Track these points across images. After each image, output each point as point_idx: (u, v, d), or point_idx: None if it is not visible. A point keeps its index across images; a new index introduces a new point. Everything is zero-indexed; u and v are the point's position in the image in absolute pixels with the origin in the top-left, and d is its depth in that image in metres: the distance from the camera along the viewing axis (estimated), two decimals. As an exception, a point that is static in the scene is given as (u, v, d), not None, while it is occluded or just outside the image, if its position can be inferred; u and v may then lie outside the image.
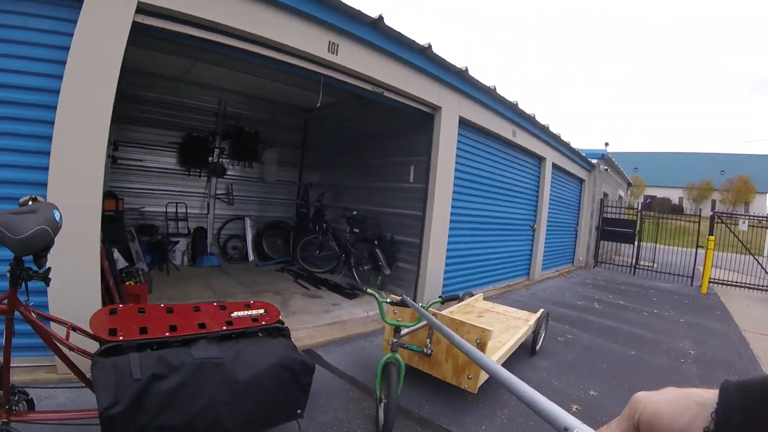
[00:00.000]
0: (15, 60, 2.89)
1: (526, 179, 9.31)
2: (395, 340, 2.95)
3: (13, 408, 2.06)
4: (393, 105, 5.67)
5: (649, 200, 49.35)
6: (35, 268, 1.89)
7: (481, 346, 3.23)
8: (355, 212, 6.96)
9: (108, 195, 5.57)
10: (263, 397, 2.06)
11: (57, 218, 1.93)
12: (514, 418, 3.33)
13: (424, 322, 3.12)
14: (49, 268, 1.89)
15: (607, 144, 16.17)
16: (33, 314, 1.96)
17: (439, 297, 3.30)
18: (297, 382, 2.19)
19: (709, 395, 0.48)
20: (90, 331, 2.06)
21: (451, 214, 6.44)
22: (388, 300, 3.10)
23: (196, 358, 1.93)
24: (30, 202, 1.98)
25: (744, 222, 12.26)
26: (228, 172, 8.11)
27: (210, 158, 7.78)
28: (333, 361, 4.05)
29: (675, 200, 49.28)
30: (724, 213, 12.42)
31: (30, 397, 2.23)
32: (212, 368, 1.94)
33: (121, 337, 1.92)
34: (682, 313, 8.00)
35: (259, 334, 2.30)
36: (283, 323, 2.43)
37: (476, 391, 3.30)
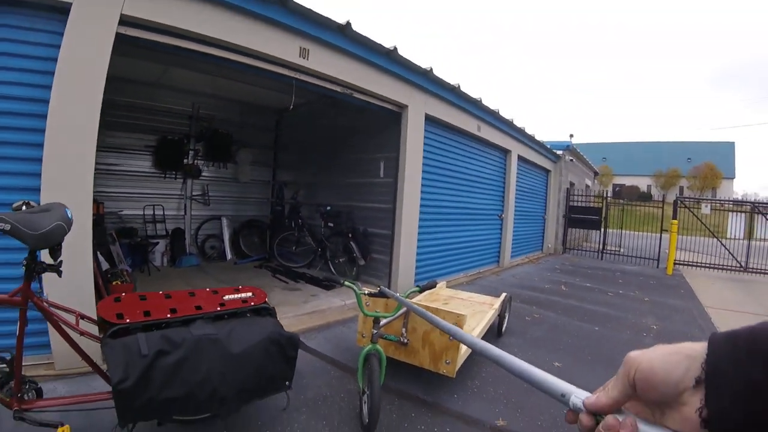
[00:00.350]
0: (5, 72, 3.05)
1: (493, 171, 9.73)
2: (375, 331, 2.95)
3: (24, 396, 2.25)
4: (362, 105, 5.96)
5: (618, 188, 50.69)
6: (48, 262, 2.13)
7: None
8: (329, 207, 7.26)
9: (89, 200, 5.72)
10: (255, 369, 2.34)
11: (69, 215, 2.16)
12: (482, 388, 3.67)
13: (402, 311, 3.16)
14: (61, 261, 2.13)
15: (571, 136, 16.72)
16: (45, 304, 2.19)
17: (417, 286, 3.24)
18: (284, 355, 2.47)
19: (699, 347, 0.51)
20: (95, 318, 2.32)
21: (421, 206, 6.80)
22: (366, 292, 3.15)
23: (195, 335, 2.20)
24: (23, 207, 2.15)
25: (706, 206, 12.87)
26: (203, 174, 8.28)
27: (185, 160, 7.94)
28: (314, 345, 4.35)
29: (644, 188, 50.64)
30: (687, 198, 13.02)
31: (39, 386, 2.41)
32: (209, 344, 2.21)
33: (127, 320, 2.17)
34: (646, 292, 8.45)
35: (249, 314, 2.57)
36: (269, 304, 2.71)
37: (455, 376, 3.40)
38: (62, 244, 2.13)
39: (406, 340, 3.45)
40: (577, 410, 0.61)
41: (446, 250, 8.00)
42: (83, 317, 2.34)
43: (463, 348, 3.53)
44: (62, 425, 2.14)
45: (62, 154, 3.16)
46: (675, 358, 0.52)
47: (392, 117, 6.46)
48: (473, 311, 4.80)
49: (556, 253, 14.51)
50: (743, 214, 12.54)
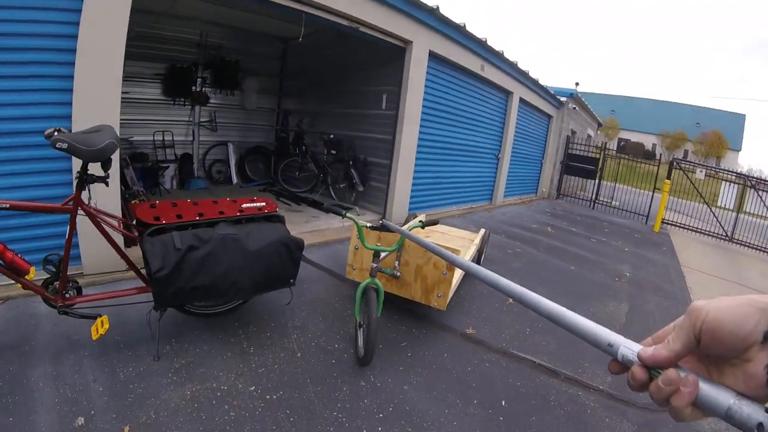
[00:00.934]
0: (34, 11, 3.21)
1: (493, 111, 9.99)
2: (375, 265, 2.96)
3: (66, 294, 2.65)
4: (368, 38, 6.17)
5: (623, 143, 50.42)
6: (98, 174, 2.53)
7: (450, 265, 3.33)
8: (332, 135, 7.60)
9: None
10: (267, 265, 2.82)
11: (117, 135, 2.56)
12: (459, 303, 4.19)
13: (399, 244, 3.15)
14: (108, 174, 2.53)
15: (577, 84, 16.66)
16: (93, 210, 2.61)
17: (420, 222, 3.11)
18: (291, 256, 2.95)
19: None
20: (133, 223, 2.76)
21: (419, 139, 7.16)
22: (369, 224, 3.10)
23: (219, 234, 2.65)
24: (55, 133, 2.40)
25: (701, 171, 13.09)
26: (211, 101, 8.52)
27: (193, 88, 8.17)
28: (315, 259, 4.86)
29: (649, 146, 50.33)
30: (684, 161, 13.19)
31: (79, 285, 2.79)
32: (231, 242, 2.67)
33: (164, 221, 2.61)
34: (629, 244, 8.88)
35: (262, 220, 3.02)
36: (279, 213, 3.17)
37: (445, 309, 3.54)
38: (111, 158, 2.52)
39: (398, 273, 3.49)
40: (626, 362, 0.58)
41: (441, 183, 8.45)
42: (124, 222, 2.78)
43: (454, 281, 3.65)
44: (100, 316, 2.60)
45: (91, 84, 3.42)
46: (745, 310, 0.48)
47: (397, 51, 6.69)
48: (455, 246, 5.12)
49: (549, 198, 14.93)
50: (736, 186, 12.50)
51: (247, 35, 8.73)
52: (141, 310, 3.02)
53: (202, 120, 8.55)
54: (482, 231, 5.25)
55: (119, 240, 2.84)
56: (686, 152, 48.63)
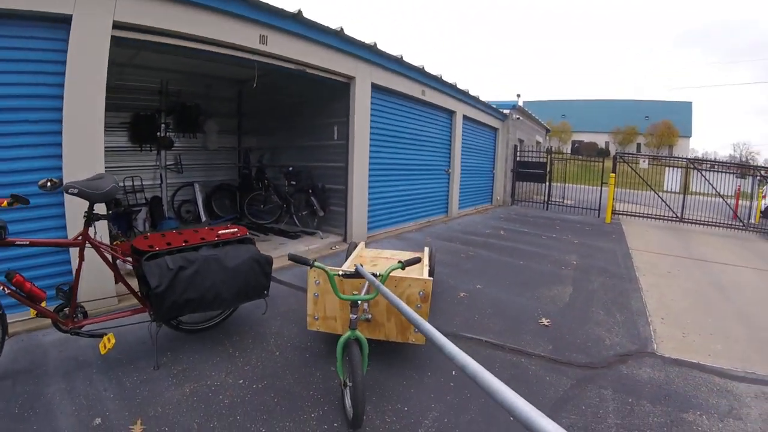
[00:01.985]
0: (25, 75, 3.75)
1: (439, 130, 10.81)
2: (354, 316, 2.74)
3: (75, 318, 3.15)
4: (315, 78, 6.85)
5: (576, 144, 52.48)
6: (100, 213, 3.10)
7: (425, 297, 3.28)
8: (291, 168, 8.20)
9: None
10: (244, 279, 3.41)
11: (116, 181, 3.14)
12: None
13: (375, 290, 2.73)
14: (110, 212, 3.09)
15: (518, 95, 17.88)
16: (98, 243, 3.17)
17: (399, 262, 2.89)
18: (263, 270, 3.55)
19: None
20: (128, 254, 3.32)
21: (370, 164, 7.87)
22: (340, 272, 3.08)
23: (203, 255, 3.25)
24: (48, 183, 2.93)
25: (644, 161, 14.18)
26: (175, 144, 8.99)
27: (158, 133, 8.64)
28: (285, 279, 5.44)
29: (602, 144, 52.59)
30: (626, 153, 14.27)
31: (85, 310, 3.28)
32: (213, 261, 3.26)
33: (157, 248, 3.19)
34: (579, 236, 9.64)
35: (237, 243, 3.62)
36: (250, 236, 3.76)
37: (425, 342, 3.40)
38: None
39: (370, 316, 3.26)
40: None
41: (395, 201, 9.16)
42: (124, 252, 3.33)
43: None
44: (106, 334, 3.12)
45: (78, 137, 3.96)
46: None
47: (342, 87, 7.41)
48: (412, 275, 4.78)
49: (504, 205, 15.78)
50: (680, 170, 13.55)
51: (204, 80, 9.28)
52: (136, 332, 3.59)
53: (168, 163, 9.00)
54: (426, 249, 4.94)
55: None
56: (639, 145, 51.12)
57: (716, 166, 13.60)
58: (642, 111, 54.16)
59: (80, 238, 3.06)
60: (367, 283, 3.06)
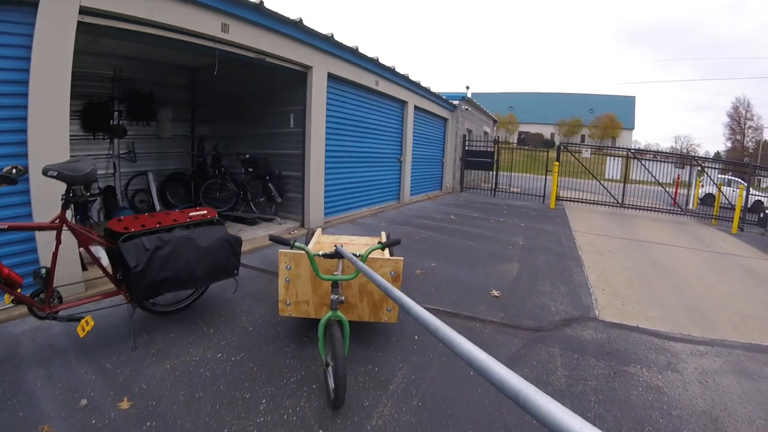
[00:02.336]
0: None
1: (391, 120, 11.10)
2: (335, 297, 2.78)
3: (51, 302, 3.20)
4: (273, 66, 6.97)
5: (523, 135, 54.05)
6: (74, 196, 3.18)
7: (396, 277, 3.34)
8: (248, 155, 8.27)
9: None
10: (216, 258, 3.58)
11: (95, 164, 3.22)
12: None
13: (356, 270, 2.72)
14: (91, 194, 3.17)
15: (467, 87, 18.38)
16: (75, 226, 3.25)
17: (379, 243, 2.93)
18: (233, 251, 3.73)
19: None
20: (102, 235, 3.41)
21: (326, 151, 8.06)
22: (321, 253, 3.04)
23: (177, 236, 3.39)
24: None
25: (586, 150, 14.98)
26: (128, 133, 8.87)
27: (111, 121, 8.51)
28: (248, 262, 5.60)
29: (548, 135, 54.33)
30: (569, 143, 15.07)
31: (60, 295, 3.33)
32: (186, 241, 3.41)
33: (132, 230, 3.30)
34: (525, 220, 10.20)
35: (207, 224, 3.77)
36: (219, 218, 3.92)
37: (397, 321, 3.51)
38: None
39: (342, 297, 3.01)
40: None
41: (350, 188, 9.40)
42: (98, 234, 3.42)
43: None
44: (84, 318, 3.19)
45: (43, 123, 3.95)
46: None
47: (300, 76, 7.54)
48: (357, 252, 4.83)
49: (454, 192, 16.30)
50: (620, 159, 14.46)
51: (157, 67, 9.18)
52: (108, 317, 3.71)
53: (121, 152, 8.88)
54: (383, 233, 4.94)
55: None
56: (583, 137, 53.23)
57: (657, 157, 14.57)
58: (587, 104, 56.26)
59: (57, 221, 3.13)
60: (341, 264, 3.18)
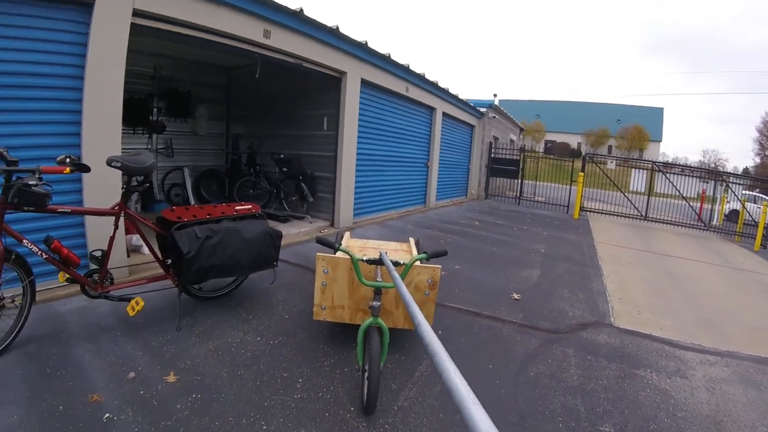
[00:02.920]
0: (49, 55, 4.02)
1: (420, 125, 11.34)
2: (377, 304, 2.73)
3: (104, 283, 3.50)
4: (309, 71, 7.28)
5: (549, 144, 53.54)
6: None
7: (433, 284, 3.34)
8: (282, 155, 8.58)
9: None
10: (258, 249, 3.87)
11: (154, 158, 3.52)
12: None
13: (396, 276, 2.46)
14: (147, 184, 3.47)
15: (495, 95, 18.59)
16: (133, 213, 3.56)
17: (425, 253, 2.88)
18: (274, 243, 4.02)
19: None
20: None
21: (357, 154, 8.36)
22: (365, 258, 2.97)
23: (225, 227, 3.68)
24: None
25: (612, 162, 14.97)
26: (166, 129, 9.28)
27: (150, 117, 8.92)
28: (282, 257, 5.85)
29: (574, 145, 53.57)
30: (595, 154, 15.09)
31: (112, 277, 3.62)
32: (234, 232, 3.70)
33: (185, 219, 3.60)
34: (548, 229, 10.32)
35: (251, 217, 4.05)
36: (262, 213, 4.20)
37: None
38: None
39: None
40: None
41: (379, 190, 9.68)
42: (153, 223, 3.73)
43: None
44: (134, 298, 3.48)
45: (97, 117, 4.30)
46: None
47: (334, 81, 7.85)
48: (399, 258, 4.71)
49: (478, 199, 16.43)
50: (645, 171, 14.35)
51: (194, 66, 9.59)
52: (152, 300, 3.96)
53: (159, 147, 9.28)
54: (412, 239, 4.82)
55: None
56: (610, 148, 52.43)
57: (684, 171, 14.49)
58: (614, 114, 55.32)
59: (117, 208, 3.44)
60: (379, 270, 3.14)
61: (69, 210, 3.33)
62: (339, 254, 3.18)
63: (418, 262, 3.05)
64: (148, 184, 3.44)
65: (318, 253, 3.30)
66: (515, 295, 5.15)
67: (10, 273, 3.04)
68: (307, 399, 2.81)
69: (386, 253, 2.99)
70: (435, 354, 1.09)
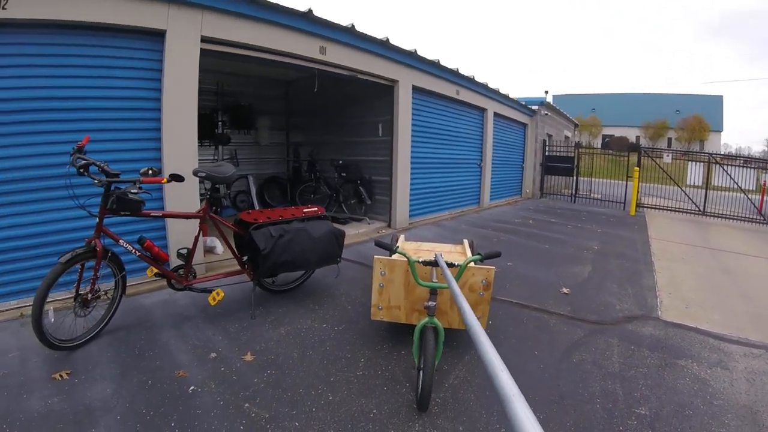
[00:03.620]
0: (129, 81, 4.57)
1: (471, 126, 11.60)
2: (432, 304, 2.81)
3: (189, 277, 4.01)
4: (363, 81, 7.74)
5: (607, 139, 51.63)
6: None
7: (487, 285, 3.39)
8: (341, 161, 9.06)
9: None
10: (324, 247, 4.32)
11: (234, 168, 4.04)
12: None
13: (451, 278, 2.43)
14: (228, 192, 3.98)
15: (546, 92, 18.51)
16: (216, 217, 4.08)
17: (479, 254, 2.96)
18: (337, 241, 4.47)
19: None
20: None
21: (411, 158, 8.74)
22: (421, 260, 3.10)
23: (295, 227, 4.16)
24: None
25: (667, 155, 14.59)
26: (231, 140, 9.95)
27: (216, 130, 9.57)
28: (344, 255, 6.26)
29: (633, 139, 51.53)
30: (650, 148, 14.69)
31: (195, 272, 4.13)
32: (303, 231, 4.16)
33: (261, 221, 4.08)
34: (603, 226, 10.28)
35: (318, 219, 4.51)
36: (326, 214, 4.65)
37: (486, 328, 3.42)
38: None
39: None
40: None
41: (433, 192, 10.03)
42: (232, 225, 4.24)
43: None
44: (215, 290, 3.97)
45: (175, 133, 4.88)
46: None
47: (386, 89, 8.29)
48: (453, 260, 4.79)
49: (533, 198, 16.39)
50: (701, 164, 13.83)
51: (255, 81, 10.24)
52: (229, 294, 4.37)
53: (225, 157, 9.96)
54: (466, 241, 5.02)
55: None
56: (670, 140, 50.22)
57: (744, 162, 13.90)
58: (673, 105, 52.82)
59: (201, 212, 3.96)
60: (434, 272, 3.25)
61: (161, 214, 3.90)
62: (396, 256, 3.35)
63: (472, 264, 3.10)
64: (230, 191, 3.90)
65: (375, 256, 3.48)
66: (564, 290, 5.35)
67: (105, 269, 3.53)
68: (368, 375, 3.20)
69: (441, 255, 3.09)
70: (485, 355, 1.10)
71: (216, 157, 9.76)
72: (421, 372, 2.70)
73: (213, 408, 2.73)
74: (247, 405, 2.78)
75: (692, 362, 3.67)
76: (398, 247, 2.91)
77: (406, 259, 3.08)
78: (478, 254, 2.94)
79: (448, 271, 2.49)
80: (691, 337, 4.19)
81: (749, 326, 4.56)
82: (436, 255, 3.01)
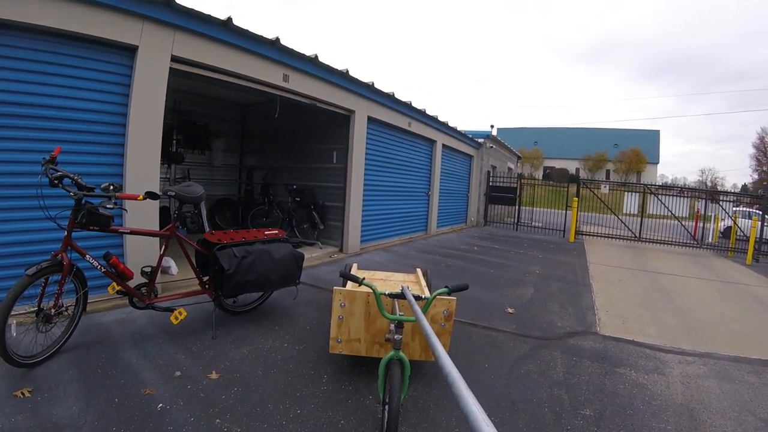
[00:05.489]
0: (96, 93, 4.56)
1: (421, 157, 12.09)
2: (398, 337, 2.68)
3: (151, 295, 4.04)
4: (321, 109, 7.99)
5: (548, 170, 53.84)
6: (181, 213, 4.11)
7: (449, 316, 3.38)
8: (295, 186, 9.23)
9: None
10: (285, 268, 4.48)
11: (203, 189, 4.16)
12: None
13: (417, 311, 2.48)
14: (196, 212, 4.09)
15: (492, 126, 19.35)
16: (181, 235, 4.16)
17: (446, 287, 2.76)
18: (297, 264, 4.64)
19: None
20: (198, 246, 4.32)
21: (364, 185, 9.05)
22: (387, 292, 2.98)
23: (258, 248, 4.30)
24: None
25: (605, 186, 15.55)
26: (185, 160, 9.90)
27: (170, 148, 9.50)
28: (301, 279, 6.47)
29: (572, 170, 53.53)
30: (588, 180, 15.73)
31: (157, 291, 4.24)
32: (265, 253, 4.31)
33: (224, 241, 4.20)
34: (544, 252, 10.90)
35: (279, 241, 4.67)
36: (287, 237, 4.82)
37: None
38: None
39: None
40: None
41: (384, 219, 10.35)
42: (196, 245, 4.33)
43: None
44: (177, 309, 4.03)
45: (139, 151, 4.87)
46: None
47: (344, 118, 8.59)
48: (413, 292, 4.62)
49: (478, 225, 17.06)
50: (637, 194, 14.86)
51: (213, 102, 10.32)
52: (188, 314, 4.37)
53: (177, 176, 9.87)
54: (419, 270, 5.00)
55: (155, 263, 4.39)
56: (608, 172, 52.83)
57: (675, 191, 15.03)
58: (611, 139, 56.21)
59: (167, 230, 4.04)
60: (396, 303, 3.18)
61: (128, 230, 3.94)
62: (355, 288, 3.44)
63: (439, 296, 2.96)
64: (196, 211, 4.01)
65: (335, 288, 3.42)
66: (509, 309, 5.72)
67: (68, 284, 3.49)
68: (332, 390, 3.37)
69: (408, 287, 3.07)
70: (454, 385, 1.18)
71: (168, 176, 9.66)
72: (386, 407, 2.58)
73: (185, 424, 2.80)
74: (218, 420, 2.87)
75: (631, 370, 4.09)
76: (364, 278, 2.78)
77: (368, 290, 2.98)
78: (446, 287, 2.77)
79: (416, 306, 2.49)
80: (628, 349, 4.63)
81: (683, 338, 5.08)
82: (402, 288, 2.93)
